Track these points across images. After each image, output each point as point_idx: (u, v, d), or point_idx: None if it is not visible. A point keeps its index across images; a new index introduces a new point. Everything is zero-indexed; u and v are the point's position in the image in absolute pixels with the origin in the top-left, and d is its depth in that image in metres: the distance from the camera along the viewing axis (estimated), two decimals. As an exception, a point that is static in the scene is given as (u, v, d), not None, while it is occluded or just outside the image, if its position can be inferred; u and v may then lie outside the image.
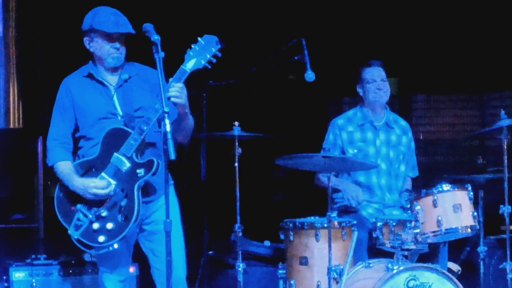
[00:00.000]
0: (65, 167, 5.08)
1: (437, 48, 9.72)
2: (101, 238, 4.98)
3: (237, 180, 5.89)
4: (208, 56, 4.97)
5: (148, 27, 4.94)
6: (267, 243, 7.30)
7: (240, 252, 5.87)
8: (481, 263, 6.26)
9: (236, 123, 5.96)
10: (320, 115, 9.37)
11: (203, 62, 4.97)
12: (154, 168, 4.96)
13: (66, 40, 8.84)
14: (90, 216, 4.99)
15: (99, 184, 4.97)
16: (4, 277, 6.64)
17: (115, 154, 4.99)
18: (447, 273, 5.54)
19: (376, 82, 6.31)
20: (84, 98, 5.14)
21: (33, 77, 8.46)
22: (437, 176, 6.34)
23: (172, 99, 4.88)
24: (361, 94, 6.39)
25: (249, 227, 6.13)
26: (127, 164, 4.99)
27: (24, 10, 8.31)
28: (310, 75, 5.79)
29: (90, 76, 5.18)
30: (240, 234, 5.90)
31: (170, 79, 4.95)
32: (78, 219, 5.01)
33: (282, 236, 5.90)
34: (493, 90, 10.01)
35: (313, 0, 9.33)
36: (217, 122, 6.49)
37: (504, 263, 6.13)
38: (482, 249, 6.23)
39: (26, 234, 8.16)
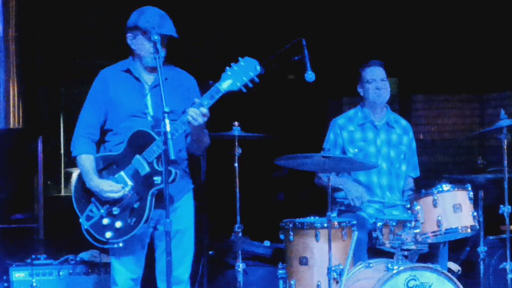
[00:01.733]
0: (86, 162, 5.13)
1: (437, 48, 9.72)
2: (108, 234, 5.05)
3: (237, 180, 5.89)
4: (245, 79, 4.93)
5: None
6: (267, 243, 7.30)
7: (240, 252, 5.87)
8: (481, 263, 6.26)
9: (236, 123, 5.96)
10: (320, 115, 9.36)
11: (238, 85, 4.93)
12: (172, 178, 4.97)
13: (66, 40, 8.85)
14: (102, 211, 5.07)
15: (113, 188, 5.02)
16: (4, 277, 6.64)
17: (137, 156, 5.03)
18: (447, 273, 5.54)
19: (376, 81, 6.31)
20: (118, 93, 5.17)
21: (33, 77, 8.46)
22: (437, 176, 6.33)
23: (188, 117, 4.91)
24: (362, 94, 6.39)
25: (249, 227, 6.13)
26: (147, 169, 5.02)
27: (24, 10, 8.31)
28: (310, 75, 5.79)
29: (128, 71, 5.20)
30: (240, 234, 5.90)
31: (203, 96, 4.96)
32: (91, 211, 5.09)
33: (282, 236, 5.90)
34: (493, 90, 10.02)
35: (313, 0, 9.32)
36: (217, 122, 6.49)
37: (504, 263, 6.13)
38: (482, 249, 6.23)
39: (26, 234, 8.15)
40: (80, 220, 5.11)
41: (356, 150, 6.27)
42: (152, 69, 5.17)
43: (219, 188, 6.71)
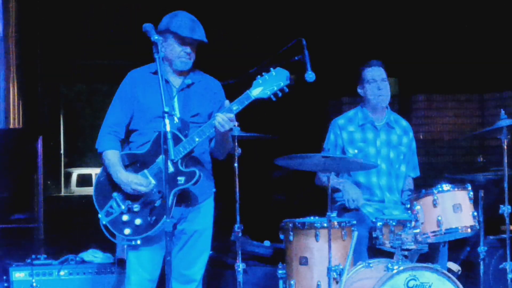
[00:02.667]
0: (113, 156, 5.16)
1: (437, 48, 9.73)
2: (127, 231, 5.08)
3: (237, 180, 5.88)
4: (275, 88, 5.06)
5: (148, 27, 4.95)
6: (267, 243, 7.29)
7: (240, 252, 5.86)
8: (481, 263, 6.26)
9: (236, 123, 5.96)
10: (320, 115, 9.37)
11: (268, 93, 5.06)
12: (195, 179, 5.04)
13: (66, 40, 8.85)
14: (123, 207, 5.09)
15: (142, 182, 5.05)
16: (4, 277, 6.64)
17: (162, 155, 5.04)
18: (447, 273, 5.54)
19: (377, 82, 6.30)
20: (146, 94, 5.20)
21: (33, 77, 8.47)
22: (437, 176, 6.33)
23: (215, 122, 4.99)
24: (362, 94, 6.38)
25: (249, 227, 6.12)
26: (171, 168, 5.03)
27: (24, 10, 8.31)
28: (310, 75, 5.78)
29: (157, 73, 5.21)
30: (240, 234, 5.89)
31: (233, 102, 5.05)
32: (111, 207, 5.12)
33: (282, 236, 5.90)
34: (493, 90, 10.02)
35: (313, 0, 9.33)
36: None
37: (504, 263, 6.12)
38: (482, 249, 6.23)
39: (26, 234, 8.16)
40: (99, 215, 5.13)
41: (356, 151, 6.27)
42: (181, 73, 5.24)
43: (219, 188, 6.71)
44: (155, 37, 4.85)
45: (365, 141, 6.34)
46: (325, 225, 5.63)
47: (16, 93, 8.27)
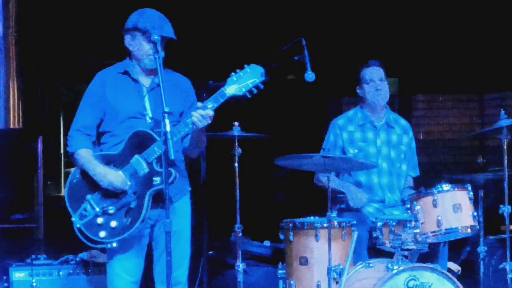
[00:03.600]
0: (87, 154, 5.10)
1: (437, 48, 9.73)
2: (102, 234, 5.01)
3: (237, 180, 5.88)
4: (250, 86, 5.00)
5: (148, 27, 4.95)
6: (267, 243, 7.29)
7: (240, 252, 5.86)
8: (481, 263, 6.26)
9: (236, 123, 5.95)
10: (320, 115, 9.37)
11: (243, 90, 5.00)
12: (171, 179, 4.97)
13: (66, 40, 8.85)
14: (97, 209, 5.03)
15: (119, 178, 5.00)
16: (4, 277, 6.64)
17: (137, 156, 5.02)
18: (447, 273, 5.54)
19: (375, 82, 6.31)
20: (116, 95, 5.16)
21: (33, 77, 8.46)
22: (437, 176, 6.33)
23: (194, 119, 4.92)
24: (361, 95, 6.38)
25: (249, 227, 6.12)
26: (146, 169, 5.01)
27: (24, 10, 8.31)
28: (310, 75, 5.79)
29: (126, 73, 5.20)
30: (240, 234, 5.89)
31: (208, 99, 4.99)
32: (85, 209, 5.05)
33: (282, 236, 5.90)
34: (493, 90, 10.02)
35: (313, 0, 9.32)
36: (217, 122, 6.49)
37: (504, 263, 6.13)
38: (482, 249, 6.23)
39: (26, 234, 8.16)
40: (72, 218, 5.06)
41: (356, 150, 6.27)
42: (150, 72, 5.18)
43: (219, 188, 6.71)
44: (155, 37, 4.85)
45: (365, 140, 6.34)
46: (325, 225, 5.63)
47: (16, 93, 8.27)
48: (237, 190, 5.86)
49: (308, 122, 9.34)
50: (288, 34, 6.02)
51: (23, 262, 6.67)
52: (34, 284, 6.51)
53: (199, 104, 4.98)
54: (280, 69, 5.83)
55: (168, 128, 4.65)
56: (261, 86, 5.01)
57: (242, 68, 5.01)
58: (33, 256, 6.68)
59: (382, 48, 9.10)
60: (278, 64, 5.76)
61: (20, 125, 8.32)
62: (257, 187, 8.75)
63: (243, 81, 4.99)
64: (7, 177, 8.12)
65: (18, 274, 6.57)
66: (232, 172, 5.83)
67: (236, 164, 5.85)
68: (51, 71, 8.95)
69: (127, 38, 5.18)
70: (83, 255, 6.76)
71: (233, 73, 5.00)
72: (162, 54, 5.07)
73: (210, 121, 4.98)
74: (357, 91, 6.40)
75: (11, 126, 8.25)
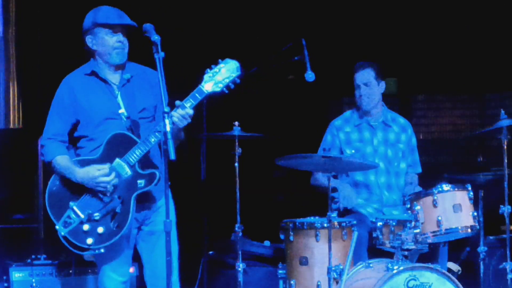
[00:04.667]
0: (65, 160, 5.02)
1: (437, 48, 9.72)
2: (89, 240, 4.96)
3: (237, 180, 5.89)
4: (227, 81, 4.94)
5: (148, 27, 4.94)
6: (267, 243, 7.29)
7: (240, 252, 5.87)
8: (481, 263, 6.27)
9: (236, 123, 5.96)
10: (320, 115, 9.36)
11: (220, 86, 4.94)
12: (155, 181, 4.95)
13: (66, 40, 8.85)
14: (82, 216, 4.96)
15: (103, 171, 4.92)
16: (4, 277, 6.64)
17: (118, 159, 4.97)
18: (447, 273, 5.54)
19: (360, 87, 6.32)
20: (88, 98, 5.08)
21: (33, 77, 8.46)
22: (437, 176, 6.33)
23: (174, 119, 4.85)
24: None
25: (249, 227, 6.13)
26: (128, 172, 4.97)
27: (24, 10, 8.31)
28: (310, 75, 5.80)
29: (94, 74, 5.12)
30: (240, 234, 5.90)
31: (186, 98, 4.92)
32: (68, 217, 4.97)
33: (282, 236, 5.90)
34: (493, 90, 10.01)
35: (313, 0, 9.32)
36: (217, 122, 6.49)
37: (504, 263, 6.13)
38: (482, 249, 6.23)
39: (26, 234, 8.14)
40: (57, 227, 4.97)
41: (353, 151, 6.27)
42: (117, 67, 5.12)
43: (219, 188, 6.71)
44: (155, 37, 4.83)
45: (362, 140, 6.35)
46: (325, 225, 5.63)
47: (16, 93, 8.27)
48: (237, 190, 5.87)
49: (308, 122, 9.33)
50: (288, 34, 6.02)
51: (23, 262, 6.67)
52: (34, 284, 6.51)
53: (177, 102, 4.90)
54: (280, 69, 5.83)
55: (168, 128, 4.62)
56: (238, 81, 4.94)
57: (216, 63, 4.95)
58: (33, 256, 6.68)
59: (382, 48, 9.10)
60: (278, 64, 5.77)
61: (20, 125, 8.32)
62: (257, 187, 8.75)
63: (219, 77, 4.93)
64: (7, 177, 8.10)
65: (18, 274, 6.57)
66: (232, 172, 5.83)
67: (236, 164, 5.85)
68: (51, 71, 8.95)
69: (88, 39, 5.10)
70: (83, 255, 6.75)
71: (208, 69, 4.94)
72: (126, 43, 5.05)
73: (190, 120, 4.92)
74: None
75: (11, 126, 8.24)
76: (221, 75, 4.94)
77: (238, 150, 5.90)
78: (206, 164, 6.85)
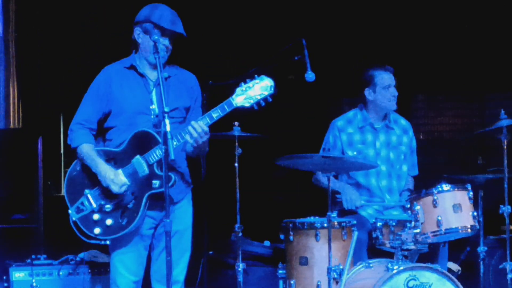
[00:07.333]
0: (90, 149, 5.09)
1: (437, 48, 9.72)
2: (97, 230, 5.03)
3: (237, 180, 5.89)
4: (259, 98, 4.96)
5: (148, 26, 4.95)
6: (267, 243, 7.30)
7: (240, 252, 5.87)
8: (481, 263, 6.26)
9: (236, 123, 5.96)
10: (320, 115, 9.36)
11: (251, 102, 4.96)
12: (170, 183, 4.96)
13: (66, 40, 8.85)
14: (95, 205, 5.04)
15: (117, 181, 4.98)
16: (4, 277, 6.64)
17: (138, 156, 5.01)
18: (447, 273, 5.54)
19: (392, 88, 6.30)
20: (123, 89, 5.13)
21: (33, 77, 8.46)
22: (437, 176, 6.33)
23: (187, 137, 4.91)
24: (370, 97, 6.32)
25: (249, 227, 6.12)
26: (146, 170, 5.00)
27: (24, 10, 8.31)
28: (310, 75, 5.79)
29: (133, 68, 5.17)
30: (240, 234, 5.90)
31: (214, 108, 4.96)
32: (82, 204, 5.06)
33: (282, 236, 5.90)
34: (493, 90, 10.01)
35: (313, 0, 9.32)
36: (217, 122, 6.49)
37: (504, 263, 6.13)
38: (482, 249, 6.23)
39: (26, 234, 8.15)
40: (69, 211, 5.06)
41: (355, 153, 6.27)
42: (156, 67, 5.11)
43: (219, 187, 6.71)
44: (155, 37, 4.84)
45: (364, 143, 6.33)
46: (325, 225, 5.63)
47: (16, 93, 8.27)
48: (237, 190, 5.87)
49: (308, 122, 9.33)
50: (288, 34, 6.02)
51: (23, 262, 6.67)
52: (34, 284, 6.51)
53: (201, 122, 4.94)
54: (280, 69, 5.83)
55: (168, 128, 4.63)
56: (269, 99, 4.98)
57: (252, 78, 4.97)
58: (33, 256, 6.68)
59: (382, 48, 9.10)
60: (278, 64, 5.76)
61: (20, 125, 8.32)
62: (257, 187, 8.75)
63: (251, 93, 4.95)
64: (7, 177, 8.11)
65: (18, 274, 6.57)
66: (232, 172, 5.83)
67: (236, 164, 5.85)
68: (51, 71, 8.95)
69: (137, 30, 5.14)
70: (83, 255, 6.77)
71: (242, 83, 4.96)
72: (169, 52, 5.08)
73: (206, 138, 4.96)
74: (366, 92, 6.34)
75: (11, 126, 8.25)
76: (253, 91, 4.96)
77: (238, 150, 5.90)
78: (206, 164, 6.84)
